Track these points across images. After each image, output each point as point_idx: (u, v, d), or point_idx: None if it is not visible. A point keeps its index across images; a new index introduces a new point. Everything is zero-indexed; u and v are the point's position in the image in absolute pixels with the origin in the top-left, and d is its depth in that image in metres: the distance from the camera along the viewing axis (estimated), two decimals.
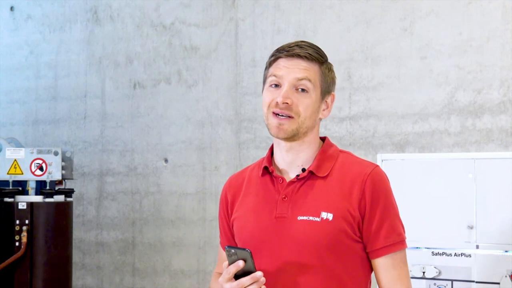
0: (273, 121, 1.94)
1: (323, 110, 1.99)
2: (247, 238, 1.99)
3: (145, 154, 5.19)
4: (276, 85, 1.94)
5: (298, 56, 1.93)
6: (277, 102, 1.91)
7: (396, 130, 4.19)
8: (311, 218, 1.89)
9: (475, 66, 3.98)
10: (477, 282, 3.21)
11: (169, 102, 5.08)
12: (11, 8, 5.85)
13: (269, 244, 1.92)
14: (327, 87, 1.98)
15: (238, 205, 2.06)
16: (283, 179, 1.97)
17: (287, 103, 1.90)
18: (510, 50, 3.89)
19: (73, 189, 4.70)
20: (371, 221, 1.90)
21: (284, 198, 1.94)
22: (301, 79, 1.91)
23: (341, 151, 2.02)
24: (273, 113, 1.93)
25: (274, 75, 1.94)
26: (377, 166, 1.97)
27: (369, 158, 4.19)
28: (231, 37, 4.83)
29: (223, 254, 2.13)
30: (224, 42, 4.86)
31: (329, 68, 2.00)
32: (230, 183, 2.14)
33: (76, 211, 5.26)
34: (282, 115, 1.92)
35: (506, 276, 3.16)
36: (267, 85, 1.97)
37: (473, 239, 3.25)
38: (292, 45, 1.95)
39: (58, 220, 4.52)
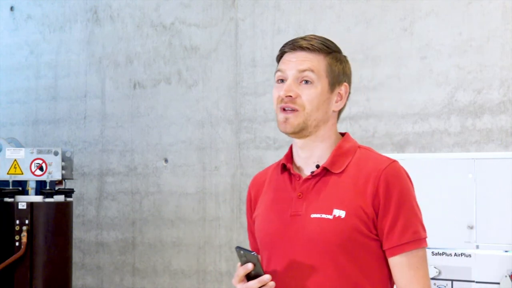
0: (280, 116, 1.88)
1: (336, 102, 1.92)
2: (263, 236, 1.96)
3: (145, 154, 5.19)
4: (282, 80, 1.90)
5: (301, 47, 1.90)
6: (282, 97, 1.88)
7: (396, 130, 4.19)
8: (323, 215, 1.85)
9: (475, 66, 3.98)
10: (477, 282, 3.21)
11: (169, 102, 5.08)
12: (11, 8, 5.85)
13: (283, 242, 1.89)
14: (336, 77, 1.91)
15: (259, 203, 2.02)
16: (299, 176, 1.93)
17: (290, 96, 1.87)
18: (510, 50, 3.89)
19: (73, 189, 4.70)
20: (385, 219, 1.84)
21: (300, 195, 1.90)
22: (304, 71, 1.88)
23: (360, 147, 1.95)
24: (281, 108, 1.89)
25: (279, 70, 1.91)
26: (395, 161, 1.90)
27: None
28: (231, 37, 4.83)
29: None
30: (224, 42, 4.86)
31: (338, 59, 1.93)
32: (253, 181, 2.08)
33: (76, 211, 5.26)
34: (288, 109, 1.88)
35: (506, 276, 3.16)
36: (274, 81, 1.94)
37: (473, 239, 3.25)
38: (298, 39, 1.92)
39: (58, 220, 4.52)
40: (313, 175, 1.91)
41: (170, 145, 5.07)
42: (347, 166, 1.90)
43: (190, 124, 4.99)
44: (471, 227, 3.25)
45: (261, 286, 1.77)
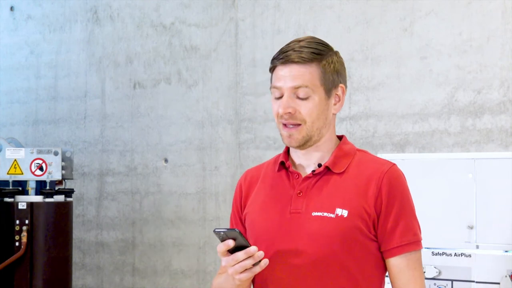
0: (284, 132, 1.92)
1: (335, 104, 1.96)
2: (260, 233, 1.95)
3: (145, 154, 5.19)
4: (280, 96, 1.93)
5: (293, 61, 1.91)
6: (281, 114, 1.91)
7: (396, 130, 4.19)
8: (325, 214, 1.87)
9: (475, 66, 3.98)
10: (477, 282, 3.21)
11: (169, 102, 5.08)
12: (11, 8, 5.85)
13: (283, 239, 1.90)
14: (331, 83, 1.94)
15: (252, 199, 2.02)
16: (299, 175, 1.94)
17: (289, 112, 1.89)
18: (510, 50, 3.89)
19: (73, 189, 4.70)
20: (386, 220, 1.88)
21: (299, 193, 1.92)
22: (298, 87, 1.90)
23: (358, 150, 2.00)
24: (282, 124, 1.92)
25: (275, 87, 1.94)
26: (395, 164, 1.94)
27: None
28: (231, 37, 4.83)
29: None
30: (224, 42, 4.86)
31: (331, 62, 1.95)
32: (246, 176, 2.09)
33: (76, 211, 5.26)
34: (290, 125, 1.90)
35: (506, 276, 3.16)
36: (272, 96, 1.97)
37: (473, 239, 3.25)
38: (288, 50, 1.94)
39: (58, 220, 4.52)
40: (314, 174, 1.93)
41: (170, 145, 5.07)
42: (347, 167, 1.93)
43: (190, 124, 4.99)
44: (471, 227, 3.25)
45: (248, 257, 1.76)
